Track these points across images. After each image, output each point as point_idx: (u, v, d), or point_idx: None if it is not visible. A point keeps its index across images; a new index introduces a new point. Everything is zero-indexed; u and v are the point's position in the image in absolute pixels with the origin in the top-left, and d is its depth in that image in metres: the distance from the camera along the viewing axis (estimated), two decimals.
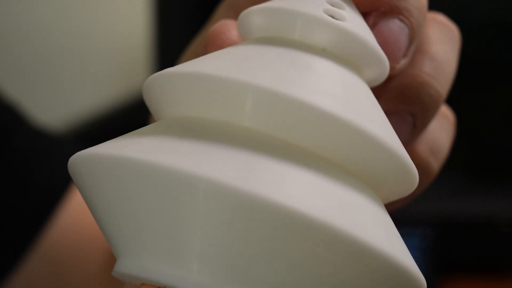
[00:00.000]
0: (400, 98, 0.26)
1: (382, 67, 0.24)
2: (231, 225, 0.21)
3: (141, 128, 0.24)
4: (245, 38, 0.27)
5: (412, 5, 0.25)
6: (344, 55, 0.24)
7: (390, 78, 0.25)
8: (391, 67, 0.24)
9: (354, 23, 0.24)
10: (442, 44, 0.27)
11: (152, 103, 0.25)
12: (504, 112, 0.89)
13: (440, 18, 0.28)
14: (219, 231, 0.21)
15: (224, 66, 0.23)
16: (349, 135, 0.22)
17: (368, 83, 0.25)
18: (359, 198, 0.22)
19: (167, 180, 0.21)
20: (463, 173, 0.88)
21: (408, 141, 0.26)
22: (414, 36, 0.25)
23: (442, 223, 0.84)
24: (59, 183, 0.49)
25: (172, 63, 0.27)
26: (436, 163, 0.28)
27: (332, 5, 0.24)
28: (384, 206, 0.23)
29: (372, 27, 0.24)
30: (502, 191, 0.87)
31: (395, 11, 0.24)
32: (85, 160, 0.23)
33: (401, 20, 0.24)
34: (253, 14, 0.25)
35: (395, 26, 0.24)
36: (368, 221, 0.22)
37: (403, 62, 0.25)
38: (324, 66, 0.24)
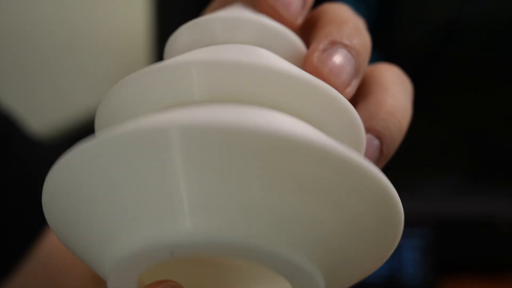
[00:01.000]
0: (370, 118, 0.28)
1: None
2: (213, 163, 0.21)
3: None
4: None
5: (359, 43, 0.27)
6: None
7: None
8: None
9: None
10: (400, 87, 0.29)
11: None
12: (504, 112, 0.89)
13: (396, 69, 0.30)
14: (202, 173, 0.21)
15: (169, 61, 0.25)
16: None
17: None
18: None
19: (139, 142, 0.21)
20: (463, 173, 0.88)
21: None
22: (359, 70, 0.27)
23: (442, 223, 0.84)
24: None
25: None
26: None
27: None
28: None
29: (321, 51, 0.27)
30: (502, 191, 0.87)
31: (343, 43, 0.27)
32: (56, 175, 0.23)
33: (349, 52, 0.27)
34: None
35: (343, 54, 0.27)
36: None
37: (349, 90, 0.27)
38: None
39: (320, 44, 0.27)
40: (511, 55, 0.88)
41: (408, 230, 0.80)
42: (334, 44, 0.27)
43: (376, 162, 0.27)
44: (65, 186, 0.23)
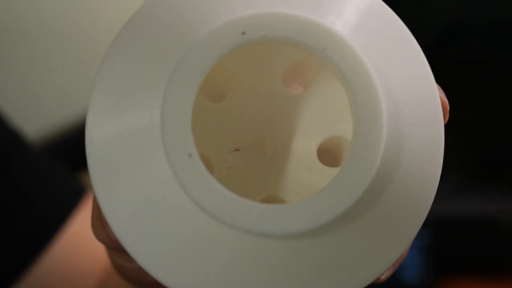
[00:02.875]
0: None
1: None
2: None
3: None
4: None
5: None
6: None
7: None
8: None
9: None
10: None
11: None
12: (505, 113, 0.89)
13: None
14: None
15: None
16: None
17: None
18: None
19: None
20: (463, 173, 0.88)
21: None
22: None
23: (442, 223, 0.84)
24: (55, 216, 0.50)
25: None
26: None
27: None
28: None
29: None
30: (503, 191, 0.87)
31: None
32: None
33: None
34: None
35: None
36: None
37: None
38: None
39: None
40: (511, 55, 0.88)
41: None
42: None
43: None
44: None
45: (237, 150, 0.32)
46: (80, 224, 0.50)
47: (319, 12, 0.27)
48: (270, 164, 0.31)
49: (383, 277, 0.28)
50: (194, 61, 0.26)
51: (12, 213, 0.50)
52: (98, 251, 0.50)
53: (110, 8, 1.01)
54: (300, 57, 0.31)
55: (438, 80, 0.29)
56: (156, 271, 0.26)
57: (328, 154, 0.32)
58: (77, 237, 0.50)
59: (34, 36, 0.96)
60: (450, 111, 0.30)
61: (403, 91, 0.27)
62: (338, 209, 0.26)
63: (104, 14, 1.00)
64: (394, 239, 0.27)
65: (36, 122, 0.91)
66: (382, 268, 0.27)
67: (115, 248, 0.30)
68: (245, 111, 0.32)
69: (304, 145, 0.31)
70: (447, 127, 0.29)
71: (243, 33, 0.26)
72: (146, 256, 0.26)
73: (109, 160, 0.27)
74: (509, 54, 0.88)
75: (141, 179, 0.26)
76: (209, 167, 0.31)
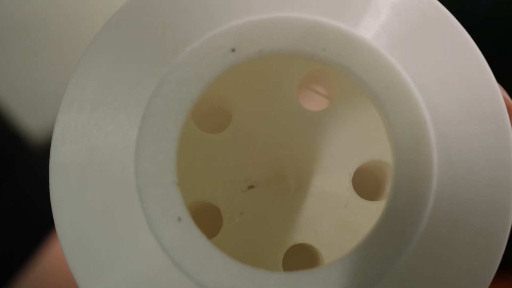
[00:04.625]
0: None
1: None
2: None
3: None
4: None
5: None
6: None
7: None
8: None
9: None
10: None
11: None
12: None
13: None
14: None
15: None
16: None
17: None
18: None
19: None
20: None
21: None
22: None
23: None
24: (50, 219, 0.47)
25: None
26: None
27: None
28: None
29: None
30: None
31: None
32: None
33: None
34: None
35: None
36: None
37: None
38: None
39: None
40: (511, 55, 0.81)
41: None
42: None
43: None
44: None
45: (251, 187, 0.25)
46: None
47: (332, 10, 0.20)
48: (294, 202, 0.25)
49: None
50: (170, 96, 0.20)
51: (9, 213, 0.49)
52: None
53: (117, 3, 0.96)
54: (318, 66, 0.24)
55: None
56: None
57: (366, 184, 0.25)
58: None
59: (37, 32, 0.92)
60: None
61: (456, 105, 0.20)
62: (383, 272, 0.19)
63: (111, 10, 0.95)
64: None
65: (41, 118, 0.87)
66: None
67: None
68: (255, 138, 0.25)
69: (335, 175, 0.25)
70: None
71: (233, 50, 0.20)
72: None
73: (78, 225, 0.21)
74: (509, 55, 0.81)
75: (122, 256, 0.20)
76: (216, 217, 0.25)
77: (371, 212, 0.24)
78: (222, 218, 0.25)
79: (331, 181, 0.25)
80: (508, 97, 0.22)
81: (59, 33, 0.93)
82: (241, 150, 0.25)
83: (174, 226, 0.19)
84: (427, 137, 0.19)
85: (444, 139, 0.20)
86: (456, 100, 0.20)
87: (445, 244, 0.20)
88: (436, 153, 0.19)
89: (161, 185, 0.19)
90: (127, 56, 0.21)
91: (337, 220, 0.24)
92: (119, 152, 0.20)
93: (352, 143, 0.25)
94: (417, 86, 0.20)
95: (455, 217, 0.20)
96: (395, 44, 0.20)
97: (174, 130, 0.19)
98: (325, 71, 0.25)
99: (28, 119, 0.81)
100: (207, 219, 0.25)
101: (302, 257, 0.25)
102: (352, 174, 0.25)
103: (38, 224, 0.48)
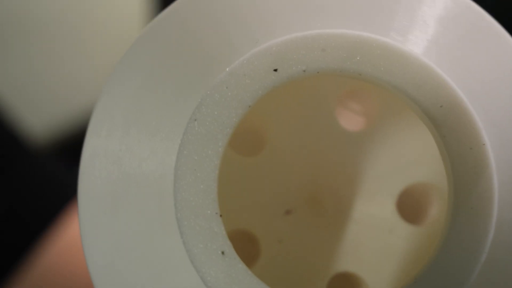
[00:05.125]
0: None
1: None
2: None
3: None
4: None
5: None
6: None
7: None
8: None
9: None
10: None
11: None
12: None
13: None
14: None
15: None
16: None
17: None
18: None
19: None
20: None
21: None
22: None
23: None
24: (50, 218, 0.48)
25: None
26: None
27: None
28: None
29: None
30: None
31: None
32: None
33: None
34: None
35: None
36: None
37: None
38: None
39: None
40: None
41: None
42: None
43: None
44: None
45: (289, 212, 0.24)
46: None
47: (377, 25, 0.19)
48: (335, 228, 0.24)
49: None
50: (210, 120, 0.18)
51: (6, 214, 0.48)
52: None
53: (119, 2, 0.95)
54: (358, 84, 0.23)
55: None
56: None
57: (411, 208, 0.24)
58: (78, 237, 0.49)
59: (39, 29, 0.91)
60: None
61: None
62: None
63: (114, 9, 0.94)
64: None
65: (43, 115, 0.86)
66: None
67: None
68: (291, 160, 0.24)
69: (378, 198, 0.23)
70: None
71: (275, 70, 0.18)
72: None
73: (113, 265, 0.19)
74: None
75: None
76: (253, 245, 0.24)
77: (416, 238, 0.23)
78: (258, 246, 0.23)
79: (374, 205, 0.23)
80: None
81: (59, 32, 0.92)
82: (278, 173, 0.24)
83: (217, 260, 0.18)
84: (487, 160, 0.18)
85: (504, 162, 0.18)
86: None
87: (509, 271, 0.18)
88: (496, 176, 0.18)
89: (203, 216, 0.18)
90: (160, 75, 0.19)
91: (382, 246, 0.23)
92: (156, 181, 0.19)
93: (395, 164, 0.23)
94: (472, 104, 0.19)
95: None
96: (446, 59, 0.19)
97: (215, 157, 0.18)
98: (364, 89, 0.23)
99: (28, 119, 0.80)
100: (244, 247, 0.23)
101: (346, 287, 0.24)
102: (396, 197, 0.23)
103: (33, 225, 0.48)
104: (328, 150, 0.24)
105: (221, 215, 0.18)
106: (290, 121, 0.23)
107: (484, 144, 0.18)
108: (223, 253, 0.18)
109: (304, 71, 0.18)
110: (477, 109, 0.19)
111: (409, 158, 0.23)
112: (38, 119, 0.84)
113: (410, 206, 0.23)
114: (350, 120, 0.24)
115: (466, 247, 0.18)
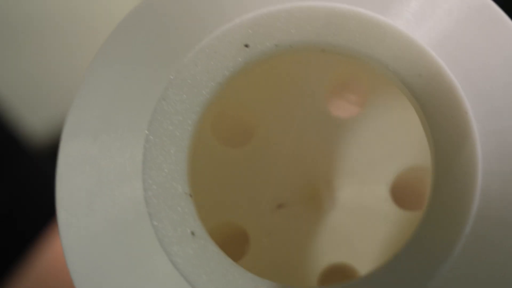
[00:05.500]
0: None
1: None
2: None
3: None
4: None
5: None
6: None
7: None
8: None
9: None
10: None
11: None
12: None
13: None
14: None
15: None
16: None
17: None
18: None
19: None
20: None
21: None
22: None
23: None
24: (48, 219, 0.48)
25: None
26: None
27: None
28: None
29: None
30: None
31: None
32: None
33: None
34: None
35: None
36: None
37: None
38: None
39: None
40: None
41: None
42: None
43: None
44: None
45: (281, 206, 0.23)
46: None
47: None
48: (328, 219, 0.23)
49: None
50: (178, 99, 0.18)
51: (5, 214, 0.48)
52: None
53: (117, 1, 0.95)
54: (347, 70, 0.22)
55: None
56: None
57: (405, 194, 0.23)
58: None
59: (40, 29, 0.91)
60: None
61: (501, 93, 0.18)
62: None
63: (112, 8, 0.94)
64: None
65: (43, 115, 0.86)
66: None
67: None
68: (281, 150, 0.23)
69: (371, 186, 0.23)
70: None
71: (246, 46, 0.18)
72: None
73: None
74: None
75: (136, 281, 0.18)
76: (242, 239, 0.23)
77: (412, 224, 0.22)
78: (248, 239, 0.23)
79: (367, 194, 0.22)
80: None
81: (60, 32, 0.93)
82: (267, 164, 0.23)
83: (187, 241, 0.17)
84: (469, 128, 0.17)
85: (489, 131, 0.17)
86: (501, 87, 0.18)
87: (495, 246, 0.17)
88: (480, 146, 0.17)
89: (171, 196, 0.17)
90: (135, 65, 0.19)
91: (377, 235, 0.22)
92: (128, 169, 0.18)
93: (387, 151, 0.22)
94: (455, 74, 0.18)
95: (506, 215, 0.17)
96: (428, 31, 0.18)
97: (184, 136, 0.18)
98: (354, 76, 0.23)
99: (28, 119, 0.80)
100: (233, 240, 0.23)
101: (339, 278, 0.23)
102: (390, 184, 0.22)
103: (32, 226, 0.48)
104: (319, 139, 0.23)
105: (191, 196, 0.17)
106: (279, 109, 0.23)
107: (466, 113, 0.17)
108: (193, 233, 0.17)
109: (276, 45, 0.18)
110: (460, 78, 0.18)
111: (401, 144, 0.22)
112: (38, 119, 0.85)
113: (404, 192, 0.22)
114: (341, 108, 0.23)
115: (449, 220, 0.17)
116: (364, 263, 0.22)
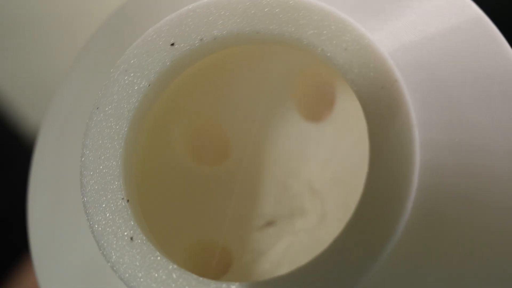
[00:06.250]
0: None
1: None
2: None
3: None
4: None
5: None
6: None
7: None
8: None
9: None
10: None
11: None
12: None
13: None
14: None
15: None
16: None
17: None
18: None
19: None
20: None
21: None
22: None
23: None
24: None
25: None
26: None
27: None
28: None
29: None
30: None
31: None
32: None
33: None
34: None
35: None
36: None
37: None
38: None
39: None
40: None
41: None
42: None
43: None
44: None
45: (270, 224, 0.22)
46: None
47: None
48: (317, 232, 0.22)
49: None
50: (111, 105, 0.18)
51: (6, 213, 0.48)
52: None
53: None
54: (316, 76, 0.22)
55: None
56: None
57: None
58: None
59: (40, 29, 0.92)
60: None
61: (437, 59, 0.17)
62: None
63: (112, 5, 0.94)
64: None
65: (39, 117, 0.87)
66: None
67: None
68: (260, 163, 0.22)
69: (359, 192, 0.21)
70: None
71: (172, 44, 0.18)
72: None
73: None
74: None
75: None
76: (226, 258, 0.22)
77: None
78: (230, 257, 0.22)
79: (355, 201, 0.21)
80: None
81: (60, 32, 0.93)
82: (247, 180, 0.22)
83: (126, 247, 0.17)
84: (401, 97, 0.16)
85: (425, 101, 0.16)
86: (436, 52, 0.17)
87: (439, 215, 0.16)
88: (415, 115, 0.16)
89: (107, 202, 0.17)
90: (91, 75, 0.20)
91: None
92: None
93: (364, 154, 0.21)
94: (385, 45, 0.17)
95: (453, 189, 0.16)
96: (357, 7, 0.18)
97: (118, 141, 0.17)
98: (323, 80, 0.22)
99: (28, 119, 0.81)
100: (213, 259, 0.22)
101: None
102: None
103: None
104: (296, 146, 0.22)
105: (128, 200, 0.17)
106: (250, 122, 0.22)
107: (396, 81, 0.16)
108: (131, 239, 0.17)
109: (201, 39, 0.18)
110: (392, 50, 0.17)
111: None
112: (38, 119, 0.85)
113: None
114: (311, 112, 0.22)
115: (388, 195, 0.16)
116: None
